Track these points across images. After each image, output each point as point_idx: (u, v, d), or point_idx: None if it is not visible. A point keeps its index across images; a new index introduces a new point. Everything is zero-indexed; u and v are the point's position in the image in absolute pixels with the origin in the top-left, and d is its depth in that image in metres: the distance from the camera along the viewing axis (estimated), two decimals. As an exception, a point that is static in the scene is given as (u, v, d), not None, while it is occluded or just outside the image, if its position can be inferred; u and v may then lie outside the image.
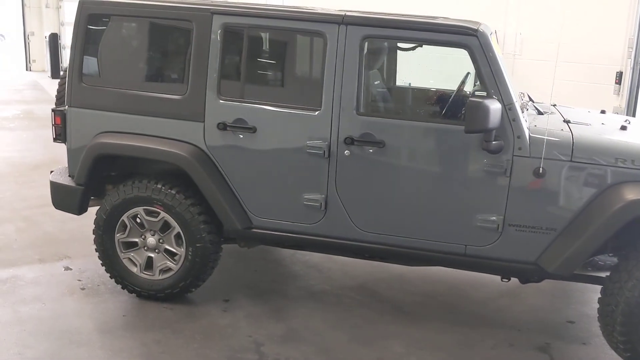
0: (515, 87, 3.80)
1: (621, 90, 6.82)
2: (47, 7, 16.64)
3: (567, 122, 3.56)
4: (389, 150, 3.42)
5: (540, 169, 3.25)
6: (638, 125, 3.92)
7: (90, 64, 3.80)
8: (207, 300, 3.92)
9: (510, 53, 8.29)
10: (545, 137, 3.24)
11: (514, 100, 3.28)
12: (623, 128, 3.57)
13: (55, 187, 3.91)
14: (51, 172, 4.10)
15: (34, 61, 16.60)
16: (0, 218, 5.23)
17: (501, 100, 3.23)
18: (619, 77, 6.80)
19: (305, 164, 3.53)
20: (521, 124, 3.27)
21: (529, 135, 3.28)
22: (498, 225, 3.36)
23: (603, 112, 4.27)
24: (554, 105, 4.26)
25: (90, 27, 3.75)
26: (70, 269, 4.30)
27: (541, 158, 3.23)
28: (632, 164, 3.20)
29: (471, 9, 8.64)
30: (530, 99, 4.31)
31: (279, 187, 3.60)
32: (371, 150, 3.44)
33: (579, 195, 3.26)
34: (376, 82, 4.11)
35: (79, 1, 3.78)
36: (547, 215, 3.31)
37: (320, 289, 4.21)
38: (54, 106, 4.55)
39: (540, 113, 3.77)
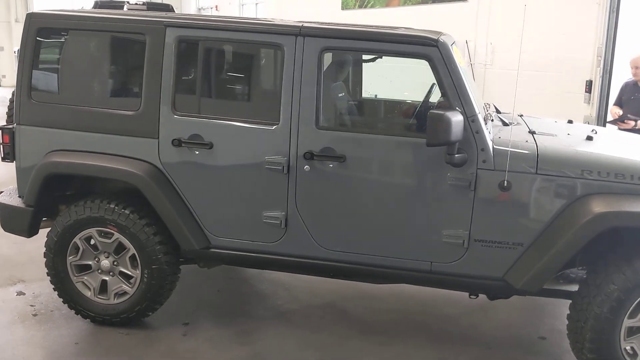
0: (479, 98, 3.72)
1: (591, 99, 6.83)
2: (16, 21, 16.39)
3: (532, 133, 3.48)
4: (350, 165, 3.31)
5: (505, 182, 3.15)
6: (604, 136, 3.87)
7: (40, 79, 3.64)
8: (166, 324, 3.75)
9: (482, 63, 8.29)
10: (509, 149, 3.15)
11: (477, 111, 3.19)
12: (589, 138, 3.50)
13: (4, 209, 3.73)
14: (0, 192, 3.91)
15: (4, 76, 16.32)
16: (-47, 241, 5.00)
17: (464, 112, 3.14)
18: (589, 86, 6.81)
19: (265, 180, 3.39)
20: (484, 136, 3.18)
21: (493, 147, 3.19)
22: (464, 240, 3.25)
23: (570, 122, 4.20)
24: (521, 116, 4.19)
25: (40, 40, 3.59)
26: (24, 294, 4.10)
27: (505, 171, 3.14)
28: (598, 176, 3.12)
29: (442, 20, 8.64)
30: (497, 110, 4.24)
31: (237, 204, 3.46)
32: (332, 165, 3.32)
33: (546, 208, 3.17)
34: (340, 95, 4.00)
35: (27, 14, 3.62)
36: (513, 230, 3.21)
37: (288, 309, 4.07)
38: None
39: (505, 124, 3.68)
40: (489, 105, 4.04)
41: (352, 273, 3.53)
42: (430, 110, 3.05)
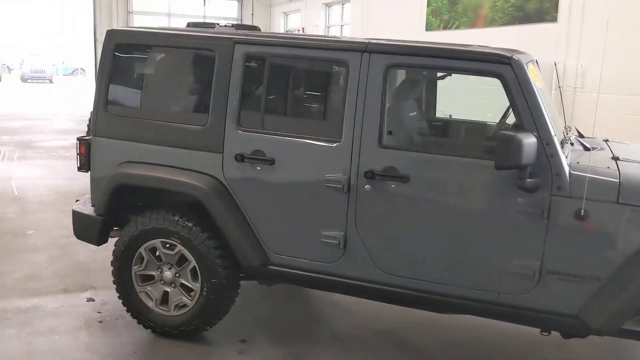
0: (559, 121, 3.49)
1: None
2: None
3: (615, 159, 3.20)
4: (413, 186, 3.17)
5: (582, 210, 2.90)
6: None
7: (115, 93, 3.78)
8: (224, 340, 3.73)
9: (571, 86, 7.86)
10: (588, 175, 2.90)
11: (553, 134, 2.97)
12: (682, 166, 3.17)
13: (77, 217, 3.87)
14: (76, 200, 4.08)
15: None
16: (36, 246, 5.28)
17: (537, 134, 2.93)
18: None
19: (324, 199, 3.32)
20: (560, 161, 2.95)
21: (570, 172, 2.95)
22: (535, 272, 3.02)
23: (663, 148, 3.85)
24: (606, 141, 3.88)
25: (117, 55, 3.74)
26: (93, 300, 4.23)
27: (583, 199, 2.89)
28: (688, 208, 2.81)
29: (530, 41, 8.29)
30: (580, 134, 3.96)
31: (296, 222, 3.41)
32: (394, 186, 3.20)
33: (627, 241, 2.88)
34: (409, 113, 3.88)
35: (107, 30, 3.78)
36: (590, 263, 2.95)
37: (346, 333, 3.94)
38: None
39: (587, 149, 3.42)
40: (569, 128, 3.78)
41: (412, 300, 3.37)
42: (501, 131, 2.88)
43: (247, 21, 17.88)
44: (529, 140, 2.83)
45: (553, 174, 2.95)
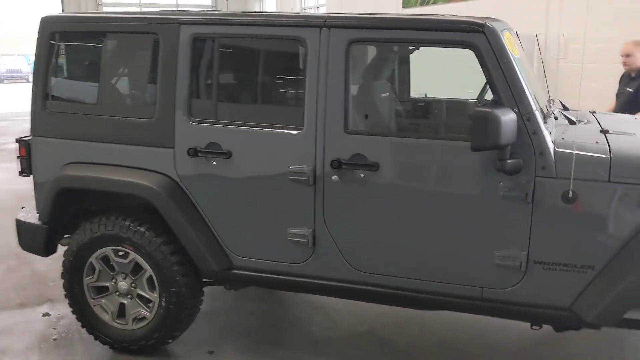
0: (542, 93, 3.18)
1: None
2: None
3: (604, 132, 2.90)
4: (384, 175, 2.86)
5: (570, 192, 2.60)
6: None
7: (54, 87, 3.42)
8: (189, 353, 3.42)
9: (554, 57, 7.55)
10: (574, 152, 2.60)
11: (534, 108, 2.66)
12: (677, 137, 2.88)
13: (20, 226, 3.53)
14: (22, 207, 3.73)
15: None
16: (-8, 256, 4.94)
17: (517, 110, 2.62)
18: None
19: (289, 193, 3.00)
20: (543, 138, 2.64)
21: (555, 150, 2.65)
22: (521, 263, 2.72)
23: (655, 118, 3.57)
24: (593, 113, 3.58)
25: (53, 45, 3.37)
26: (49, 315, 3.90)
27: (570, 179, 2.59)
28: (687, 183, 2.52)
29: (509, 13, 7.96)
30: (564, 107, 3.66)
31: (260, 220, 3.09)
32: (363, 175, 2.88)
33: (622, 223, 2.59)
34: (378, 94, 3.56)
35: (41, 18, 3.41)
36: (582, 250, 2.66)
37: (323, 336, 3.64)
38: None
39: (572, 123, 3.12)
40: (552, 101, 3.48)
41: (392, 299, 3.07)
42: (476, 108, 2.56)
43: (222, 9, 17.41)
44: (508, 117, 2.52)
45: (536, 153, 2.64)
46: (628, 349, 3.49)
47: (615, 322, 2.62)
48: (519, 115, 2.61)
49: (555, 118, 3.13)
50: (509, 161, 2.60)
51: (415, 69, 4.34)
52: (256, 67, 3.33)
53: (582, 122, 3.20)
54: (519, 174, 2.65)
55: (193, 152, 3.08)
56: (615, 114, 3.71)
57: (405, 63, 4.13)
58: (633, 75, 5.18)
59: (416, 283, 2.92)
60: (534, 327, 2.99)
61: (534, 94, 2.77)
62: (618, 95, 5.25)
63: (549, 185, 2.64)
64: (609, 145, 2.68)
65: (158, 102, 3.15)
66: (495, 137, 2.49)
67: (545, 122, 2.73)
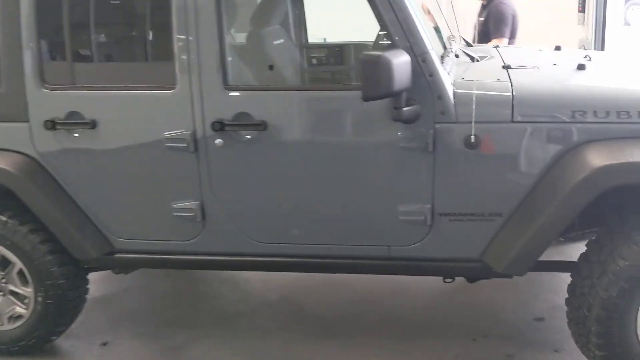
0: (442, 30, 2.93)
1: (586, 19, 5.93)
2: None
3: (506, 67, 2.68)
4: (274, 134, 2.54)
5: (472, 136, 2.38)
6: (601, 62, 3.07)
7: None
8: (79, 347, 3.07)
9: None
10: (474, 92, 2.37)
11: (429, 47, 2.39)
12: (581, 67, 2.67)
13: None
14: None
15: None
16: None
17: (411, 50, 2.35)
18: (582, 3, 5.90)
19: (168, 163, 2.64)
20: (441, 80, 2.39)
21: (454, 92, 2.41)
22: (426, 216, 2.51)
23: (558, 48, 3.39)
24: (496, 47, 3.38)
25: None
26: None
27: (472, 122, 2.37)
28: (594, 116, 2.35)
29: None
30: (467, 43, 3.44)
31: (139, 197, 2.72)
32: (249, 137, 2.56)
33: (528, 166, 2.40)
34: (268, 42, 3.20)
35: None
36: (488, 197, 2.47)
37: (233, 311, 3.37)
38: None
39: (474, 60, 2.89)
40: (453, 37, 3.23)
41: (295, 267, 2.83)
42: (364, 52, 2.27)
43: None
44: (400, 60, 2.24)
45: (434, 97, 2.39)
46: (543, 290, 3.42)
47: (526, 271, 2.47)
48: (413, 56, 2.34)
49: (456, 56, 2.89)
50: (405, 109, 2.33)
51: (313, 11, 4.00)
52: (117, 19, 2.87)
53: (485, 59, 2.98)
54: (417, 122, 2.40)
55: (51, 125, 2.65)
56: (517, 47, 3.52)
57: (299, 5, 3.78)
58: (485, 3, 4.99)
59: (319, 248, 2.67)
60: (446, 280, 2.83)
61: (430, 31, 2.50)
62: (474, 26, 5.07)
63: (450, 131, 2.41)
64: (511, 82, 2.46)
65: (2, 69, 2.67)
66: (387, 84, 2.20)
67: (443, 63, 2.47)
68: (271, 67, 2.96)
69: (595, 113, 2.34)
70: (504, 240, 2.47)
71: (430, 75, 2.37)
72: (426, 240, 2.55)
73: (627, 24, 5.68)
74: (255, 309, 3.38)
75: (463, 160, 2.43)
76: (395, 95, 2.28)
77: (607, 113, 2.34)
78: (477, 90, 2.37)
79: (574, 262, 2.57)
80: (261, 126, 2.52)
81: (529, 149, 2.39)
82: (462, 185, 2.47)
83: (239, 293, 3.57)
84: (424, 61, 2.37)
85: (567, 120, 2.35)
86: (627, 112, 2.33)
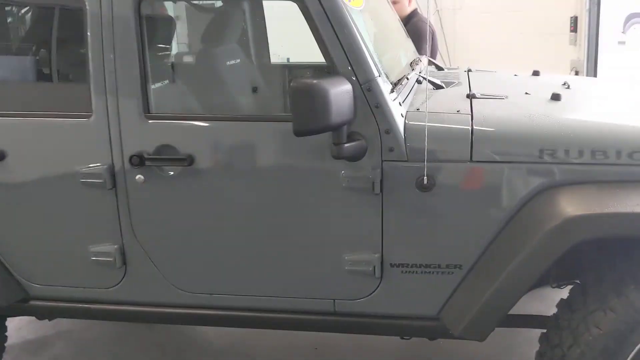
0: (407, 52, 2.62)
1: (578, 39, 5.63)
2: None
3: (471, 97, 2.35)
4: (200, 170, 2.22)
5: (425, 177, 2.06)
6: (580, 90, 2.74)
7: None
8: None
9: (450, 8, 7.07)
10: (426, 126, 2.04)
11: (376, 74, 2.07)
12: (555, 97, 2.36)
13: None
14: None
15: None
16: None
17: (354, 77, 2.03)
18: (574, 23, 5.61)
19: (83, 201, 2.32)
20: (390, 111, 2.06)
21: (405, 126, 2.08)
22: (374, 267, 2.17)
23: (536, 73, 3.06)
24: (468, 72, 3.06)
25: None
26: None
27: (424, 162, 2.04)
28: (565, 156, 2.02)
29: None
30: (438, 67, 3.12)
31: (53, 238, 2.40)
32: (173, 173, 2.23)
33: (490, 213, 2.07)
34: (232, 62, 2.90)
35: None
36: (445, 247, 2.13)
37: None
38: None
39: (439, 87, 2.56)
40: (419, 60, 2.92)
41: (232, 322, 2.47)
42: (294, 79, 1.95)
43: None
44: (339, 88, 1.92)
45: (382, 131, 2.07)
46: (518, 344, 3.06)
47: (486, 335, 2.12)
48: (357, 84, 2.03)
49: (419, 82, 2.58)
50: (346, 145, 2.02)
51: (275, 30, 3.70)
52: (31, 36, 2.57)
53: (452, 85, 2.66)
54: (362, 159, 2.08)
55: (-49, 157, 2.34)
56: (492, 71, 3.21)
57: (259, 24, 3.48)
58: (404, 21, 4.71)
59: (256, 300, 2.34)
60: (404, 337, 2.49)
61: (380, 55, 2.19)
62: None
63: (400, 171, 2.08)
64: (471, 115, 2.13)
65: None
66: (323, 117, 1.89)
67: (394, 91, 2.15)
68: (255, 90, 2.62)
69: (566, 152, 2.01)
70: (462, 297, 2.13)
71: (377, 106, 2.05)
72: (375, 294, 2.22)
73: (621, 43, 5.35)
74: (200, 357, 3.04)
75: (415, 204, 2.10)
76: (333, 129, 1.97)
77: (581, 153, 2.01)
78: (429, 122, 2.04)
79: (549, 317, 2.23)
80: (186, 161, 2.20)
81: (490, 192, 2.06)
82: (415, 232, 2.14)
83: (182, 337, 3.23)
84: (369, 90, 2.05)
85: (534, 160, 2.02)
86: (604, 152, 2.00)
